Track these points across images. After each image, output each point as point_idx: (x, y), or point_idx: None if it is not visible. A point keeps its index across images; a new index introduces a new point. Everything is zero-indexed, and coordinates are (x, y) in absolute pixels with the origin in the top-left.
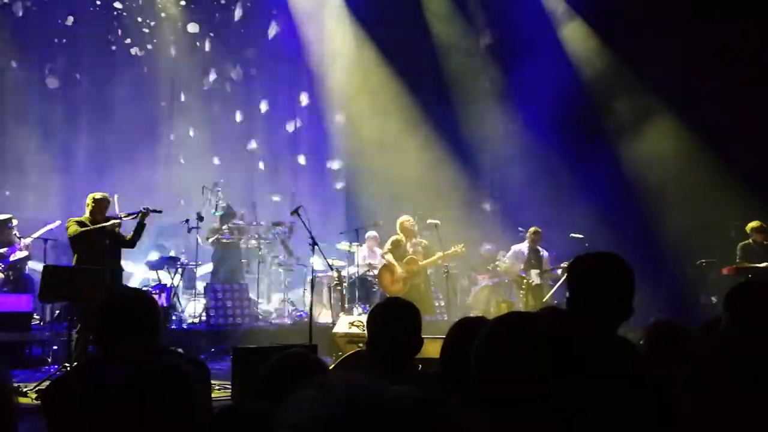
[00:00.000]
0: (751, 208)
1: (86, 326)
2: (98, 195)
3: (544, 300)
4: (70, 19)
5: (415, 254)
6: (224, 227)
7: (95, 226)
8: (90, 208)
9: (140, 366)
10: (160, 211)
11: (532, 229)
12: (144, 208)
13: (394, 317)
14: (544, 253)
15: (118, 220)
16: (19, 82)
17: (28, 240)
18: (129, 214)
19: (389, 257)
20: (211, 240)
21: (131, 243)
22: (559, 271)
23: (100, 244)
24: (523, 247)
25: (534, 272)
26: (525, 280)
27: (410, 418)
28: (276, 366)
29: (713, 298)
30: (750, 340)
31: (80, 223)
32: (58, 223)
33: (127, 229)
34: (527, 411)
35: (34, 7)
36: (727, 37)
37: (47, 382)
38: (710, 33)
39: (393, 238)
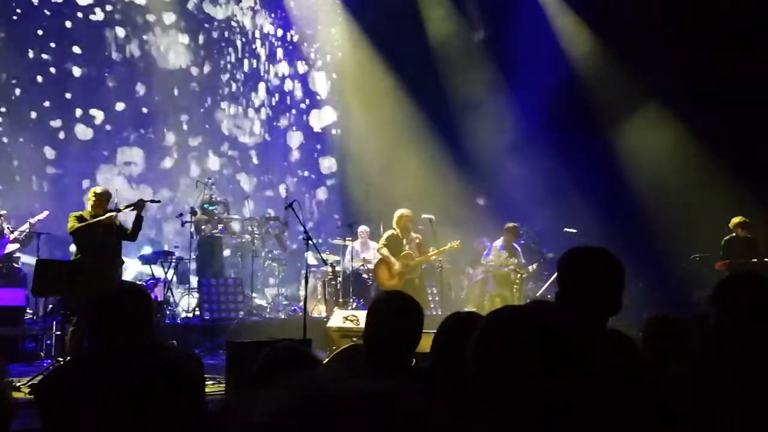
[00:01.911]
0: (745, 203)
1: (83, 320)
2: (99, 189)
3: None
4: (64, 10)
5: (411, 249)
6: (215, 222)
7: (91, 221)
8: (91, 202)
9: (136, 362)
10: (158, 201)
11: (508, 225)
12: (140, 200)
13: (397, 312)
14: (518, 247)
15: (114, 212)
16: (9, 74)
17: (16, 233)
18: (126, 206)
19: (384, 252)
20: (202, 232)
21: (132, 236)
22: (535, 266)
23: (100, 238)
24: (500, 243)
25: (510, 268)
26: (520, 275)
27: (371, 412)
28: (266, 359)
29: (707, 293)
30: (738, 334)
31: (79, 218)
32: (46, 213)
33: (127, 223)
34: (524, 406)
35: None
36: (721, 30)
37: (40, 377)
38: (703, 27)
39: (388, 232)
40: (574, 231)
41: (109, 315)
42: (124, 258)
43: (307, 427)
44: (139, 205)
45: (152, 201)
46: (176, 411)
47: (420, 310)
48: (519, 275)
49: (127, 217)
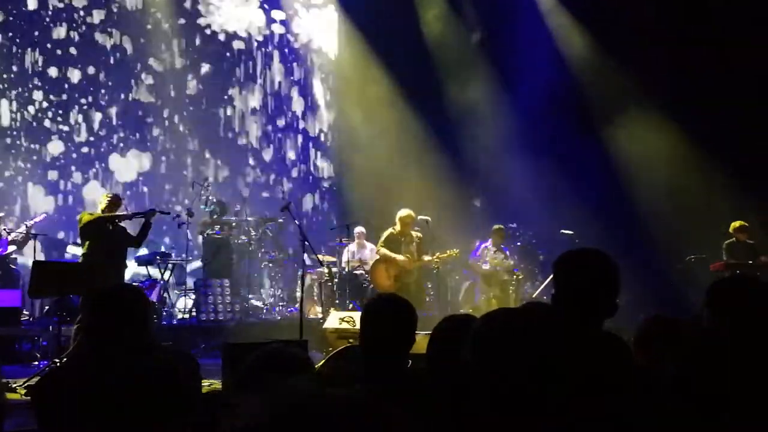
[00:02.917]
0: (741, 203)
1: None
2: (111, 194)
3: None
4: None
5: (409, 251)
6: (215, 224)
7: (111, 214)
8: (102, 206)
9: (134, 363)
10: (168, 213)
11: (496, 227)
12: (151, 209)
13: (391, 314)
14: (506, 249)
15: (127, 213)
16: (7, 77)
17: (13, 235)
18: (136, 214)
19: (384, 251)
20: (204, 234)
21: (137, 242)
22: (516, 269)
23: (108, 240)
24: (489, 244)
25: (501, 269)
26: (516, 276)
27: (345, 419)
28: (255, 362)
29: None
30: (731, 335)
31: (85, 218)
32: (43, 216)
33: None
34: (519, 407)
35: None
36: (714, 27)
37: (37, 378)
38: (697, 23)
39: (387, 231)
40: (571, 233)
41: (106, 316)
42: None
43: None
44: (149, 214)
45: (162, 212)
46: (173, 412)
47: (413, 311)
48: (516, 276)
49: (127, 223)
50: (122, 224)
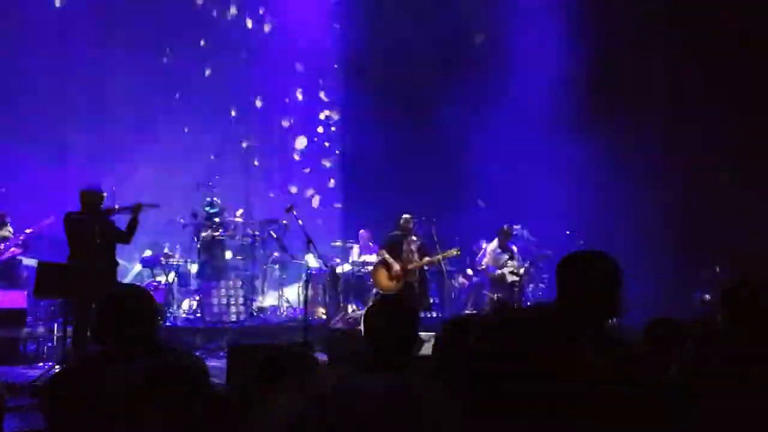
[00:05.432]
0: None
1: (82, 325)
2: (88, 189)
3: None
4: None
5: (410, 253)
6: (212, 224)
7: (94, 211)
8: (81, 202)
9: (140, 363)
10: (156, 206)
11: (502, 227)
12: (137, 203)
13: (392, 315)
14: (514, 248)
15: (112, 208)
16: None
17: (22, 236)
18: (123, 208)
19: (385, 254)
20: (199, 235)
21: (126, 239)
22: (527, 264)
23: (91, 239)
24: (495, 245)
25: (507, 270)
26: (519, 277)
27: (393, 407)
28: (267, 361)
29: (707, 296)
30: (747, 337)
31: (68, 217)
32: (52, 218)
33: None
34: (522, 407)
35: None
36: (720, 30)
37: (45, 379)
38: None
39: (389, 235)
40: (572, 233)
41: (114, 317)
42: (125, 261)
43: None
44: (135, 209)
45: (150, 205)
46: (181, 412)
47: (415, 311)
48: (519, 278)
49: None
50: (114, 218)
